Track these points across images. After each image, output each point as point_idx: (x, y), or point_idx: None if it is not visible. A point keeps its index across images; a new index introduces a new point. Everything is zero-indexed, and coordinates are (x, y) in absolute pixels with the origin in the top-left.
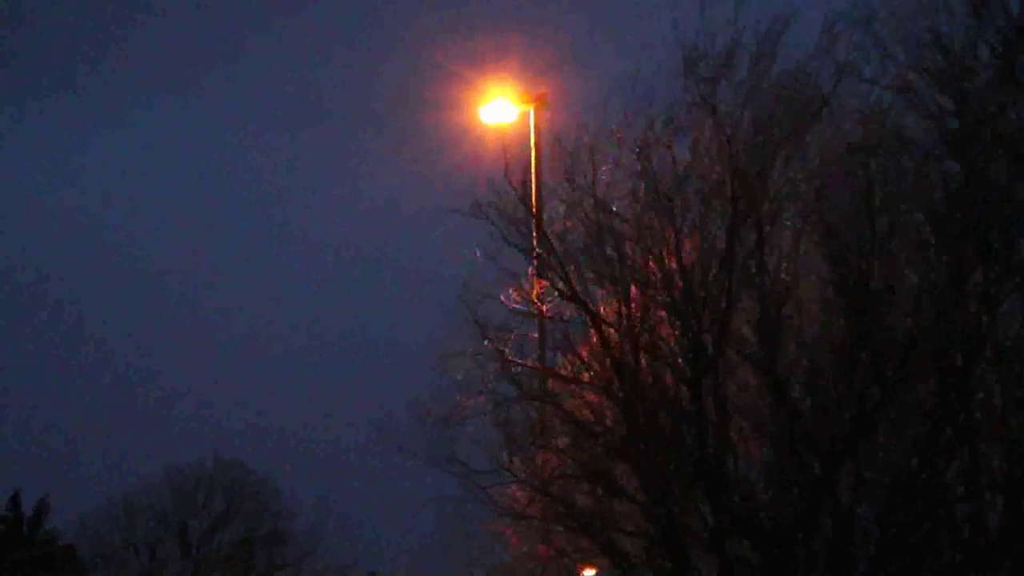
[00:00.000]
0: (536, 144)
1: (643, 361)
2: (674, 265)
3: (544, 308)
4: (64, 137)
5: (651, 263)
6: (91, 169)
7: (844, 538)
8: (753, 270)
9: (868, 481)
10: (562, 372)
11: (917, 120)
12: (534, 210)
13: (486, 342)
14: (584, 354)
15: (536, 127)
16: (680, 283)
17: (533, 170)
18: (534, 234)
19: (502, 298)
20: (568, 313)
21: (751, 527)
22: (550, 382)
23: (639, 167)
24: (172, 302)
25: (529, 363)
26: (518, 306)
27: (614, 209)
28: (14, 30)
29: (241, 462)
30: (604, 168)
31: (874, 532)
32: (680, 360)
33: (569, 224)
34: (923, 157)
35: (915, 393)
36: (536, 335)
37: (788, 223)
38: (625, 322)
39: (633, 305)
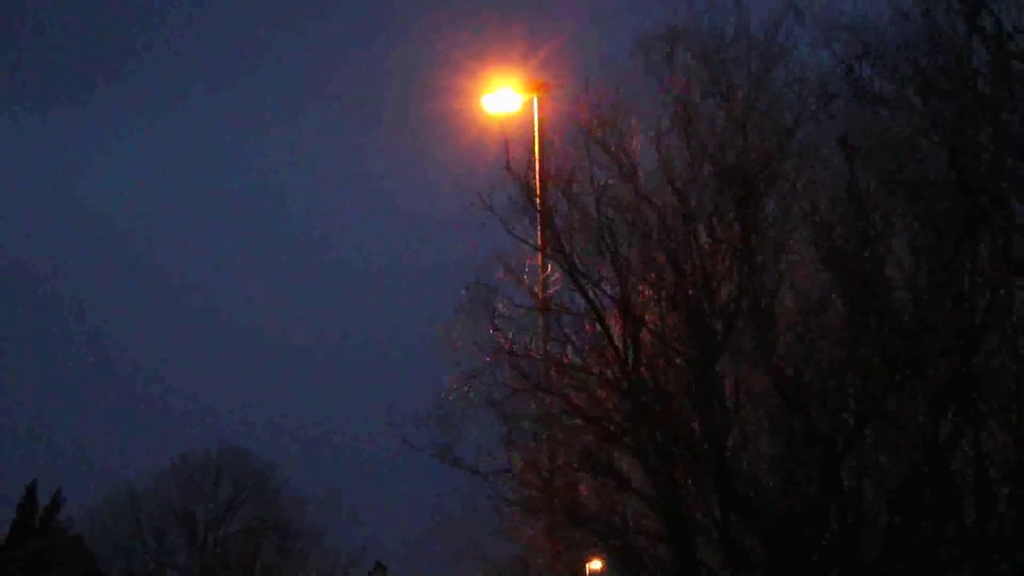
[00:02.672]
0: (540, 133)
1: (646, 351)
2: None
3: (547, 299)
4: (77, 135)
5: (654, 251)
6: (99, 168)
7: (851, 530)
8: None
9: (874, 472)
10: (566, 362)
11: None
12: (539, 198)
13: (491, 331)
14: (588, 345)
15: (539, 116)
16: (689, 271)
17: (537, 159)
18: (538, 225)
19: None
20: (575, 305)
21: (758, 519)
22: (553, 374)
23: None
24: (181, 297)
25: (533, 355)
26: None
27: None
28: (23, 36)
29: (246, 451)
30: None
31: (882, 523)
32: (686, 349)
33: (573, 214)
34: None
35: (920, 383)
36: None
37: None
38: (627, 312)
39: (635, 294)
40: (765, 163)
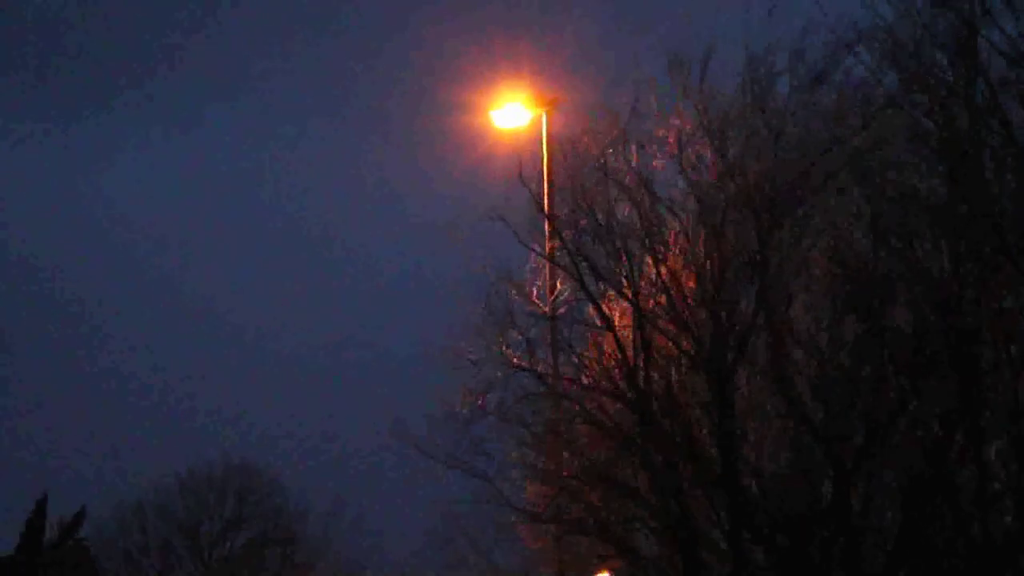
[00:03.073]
0: (548, 149)
1: (657, 362)
2: (685, 267)
3: (558, 310)
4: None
5: (665, 265)
6: (110, 173)
7: (858, 541)
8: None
9: (880, 485)
10: (583, 379)
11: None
12: (548, 210)
13: (503, 348)
14: (596, 355)
15: (548, 131)
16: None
17: (545, 174)
18: (546, 237)
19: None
20: (584, 315)
21: (768, 531)
22: (564, 382)
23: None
24: (183, 305)
25: (540, 368)
26: (534, 308)
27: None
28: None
29: (251, 464)
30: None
31: (888, 534)
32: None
33: (582, 224)
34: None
35: (927, 396)
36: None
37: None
38: (641, 323)
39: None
40: (794, 181)
